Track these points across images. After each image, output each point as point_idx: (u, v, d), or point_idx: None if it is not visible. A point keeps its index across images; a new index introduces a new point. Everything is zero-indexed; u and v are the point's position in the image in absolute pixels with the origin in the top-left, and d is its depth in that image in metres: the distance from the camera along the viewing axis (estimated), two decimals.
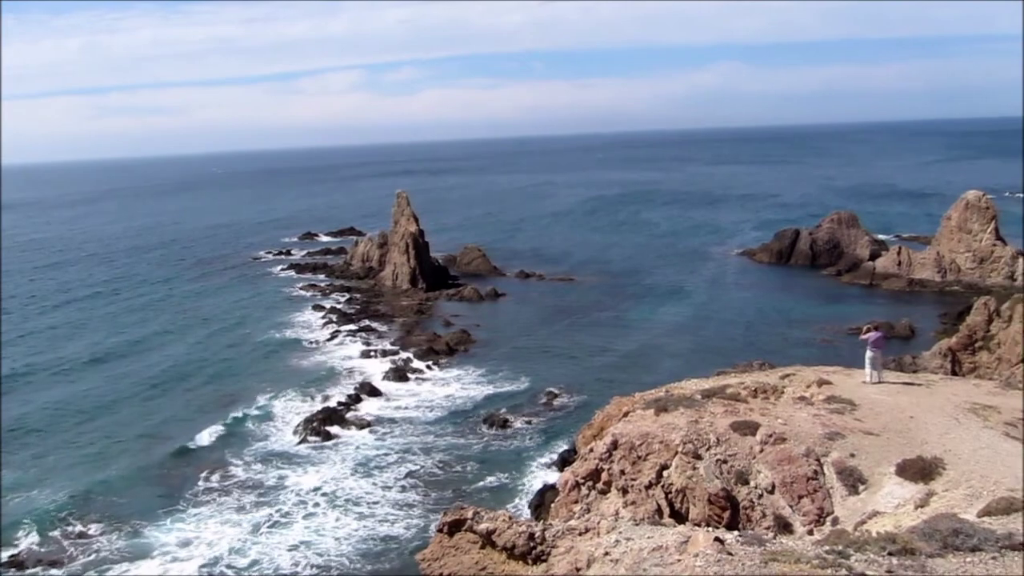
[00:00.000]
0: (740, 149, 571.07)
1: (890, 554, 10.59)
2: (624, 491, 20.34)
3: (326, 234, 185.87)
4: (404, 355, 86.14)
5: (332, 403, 71.24)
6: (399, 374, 79.84)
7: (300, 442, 63.47)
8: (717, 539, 9.88)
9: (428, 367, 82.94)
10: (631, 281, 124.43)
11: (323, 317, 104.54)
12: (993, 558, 10.72)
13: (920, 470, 17.38)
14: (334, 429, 65.90)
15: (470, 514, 12.62)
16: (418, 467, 58.86)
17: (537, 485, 53.52)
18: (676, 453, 19.79)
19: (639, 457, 20.32)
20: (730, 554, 9.51)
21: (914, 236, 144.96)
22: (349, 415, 69.20)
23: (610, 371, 78.51)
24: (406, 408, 71.79)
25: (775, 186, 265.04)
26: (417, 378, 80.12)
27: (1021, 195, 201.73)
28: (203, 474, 57.78)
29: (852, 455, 18.89)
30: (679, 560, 9.47)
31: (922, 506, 16.19)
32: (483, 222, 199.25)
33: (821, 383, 25.19)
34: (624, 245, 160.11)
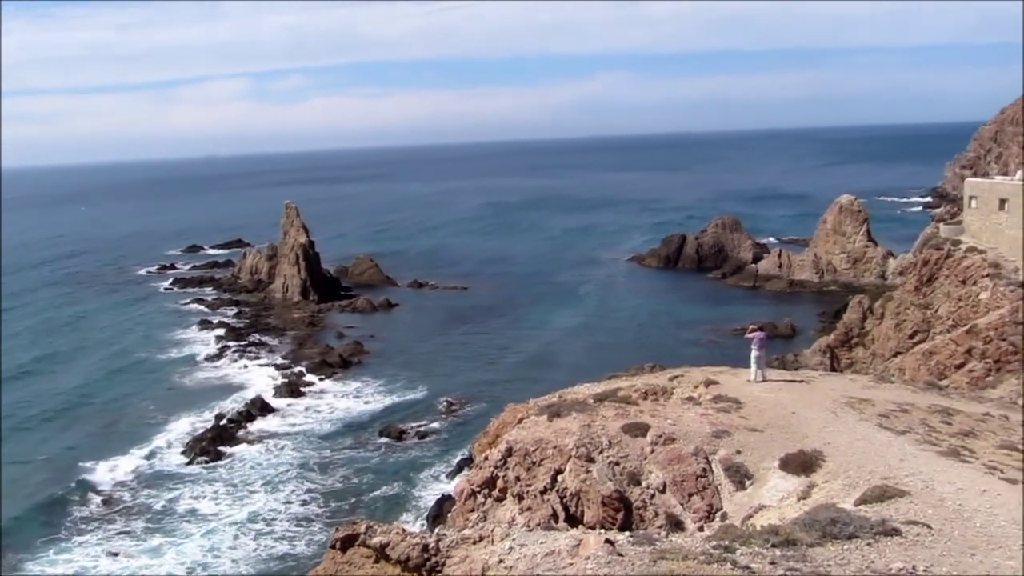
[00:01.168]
0: (628, 157, 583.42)
1: (774, 546, 10.96)
2: (520, 497, 20.45)
3: (212, 247, 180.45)
4: (296, 369, 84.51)
5: (222, 421, 69.22)
6: (292, 389, 78.26)
7: (190, 462, 61.44)
8: (608, 541, 10.03)
9: (321, 380, 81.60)
10: (525, 288, 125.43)
11: (211, 333, 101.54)
12: (868, 544, 11.24)
13: (802, 463, 18.05)
14: (225, 448, 64.06)
15: (363, 528, 12.44)
16: (314, 482, 57.79)
17: (435, 495, 53.32)
18: (570, 457, 20.01)
19: (534, 463, 20.46)
20: (620, 555, 9.66)
21: (793, 239, 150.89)
22: (241, 433, 67.39)
23: (506, 378, 78.93)
24: (300, 423, 70.39)
25: (662, 192, 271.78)
26: (311, 392, 78.71)
27: (889, 199, 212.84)
28: (88, 502, 55.20)
29: (738, 452, 19.48)
30: (571, 564, 9.57)
31: (804, 498, 16.80)
32: (377, 231, 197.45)
33: (708, 383, 25.91)
34: (518, 252, 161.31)
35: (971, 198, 65.05)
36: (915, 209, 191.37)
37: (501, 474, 21.17)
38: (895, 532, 11.76)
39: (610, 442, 20.26)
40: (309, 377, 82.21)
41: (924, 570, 10.45)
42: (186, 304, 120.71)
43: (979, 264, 59.68)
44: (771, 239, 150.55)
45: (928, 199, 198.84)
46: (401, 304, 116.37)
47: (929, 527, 12.33)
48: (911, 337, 62.40)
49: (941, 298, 61.47)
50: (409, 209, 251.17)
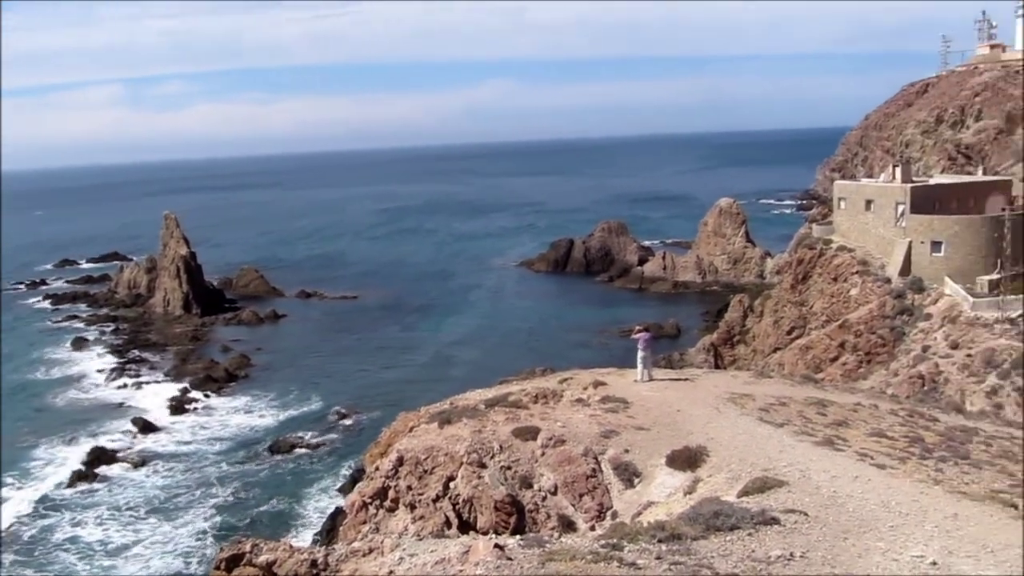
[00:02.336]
0: (518, 162, 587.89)
1: (660, 541, 11.20)
2: (412, 507, 20.29)
3: (87, 260, 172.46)
4: (180, 385, 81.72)
5: (102, 443, 66.26)
6: (175, 406, 75.64)
7: (68, 487, 58.52)
8: (497, 546, 10.05)
9: (207, 396, 79.13)
10: (416, 295, 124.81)
11: (87, 351, 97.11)
12: (749, 534, 11.62)
13: (687, 459, 18.51)
14: (106, 470, 61.35)
15: (248, 547, 12.10)
16: (202, 500, 55.93)
17: (328, 509, 52.40)
18: (461, 464, 19.98)
19: (425, 471, 20.35)
20: (509, 559, 9.70)
21: (677, 241, 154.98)
22: (122, 454, 64.67)
23: (398, 386, 78.30)
24: (186, 441, 68.07)
25: (551, 197, 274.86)
26: (196, 409, 76.23)
27: (766, 201, 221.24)
28: None
29: (627, 451, 19.84)
30: (461, 570, 9.55)
31: (690, 492, 17.23)
32: (264, 241, 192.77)
33: (597, 384, 26.32)
34: (408, 259, 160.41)
35: (840, 200, 68.26)
36: (789, 211, 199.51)
37: (393, 484, 20.96)
38: (774, 521, 12.18)
39: (501, 447, 20.32)
40: (194, 393, 79.61)
41: (801, 555, 10.87)
42: (60, 322, 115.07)
43: (849, 262, 62.66)
44: (656, 242, 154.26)
45: (801, 201, 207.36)
46: (289, 315, 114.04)
47: (806, 514, 12.83)
48: (789, 333, 65.00)
49: (815, 295, 64.26)
50: (298, 218, 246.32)
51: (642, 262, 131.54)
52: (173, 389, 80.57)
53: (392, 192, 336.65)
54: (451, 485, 20.11)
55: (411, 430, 24.00)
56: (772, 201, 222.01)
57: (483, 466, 19.95)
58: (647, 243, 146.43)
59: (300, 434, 68.08)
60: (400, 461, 21.06)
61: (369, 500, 21.52)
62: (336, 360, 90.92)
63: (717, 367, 67.37)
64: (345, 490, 54.97)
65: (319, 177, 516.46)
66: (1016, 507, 13.75)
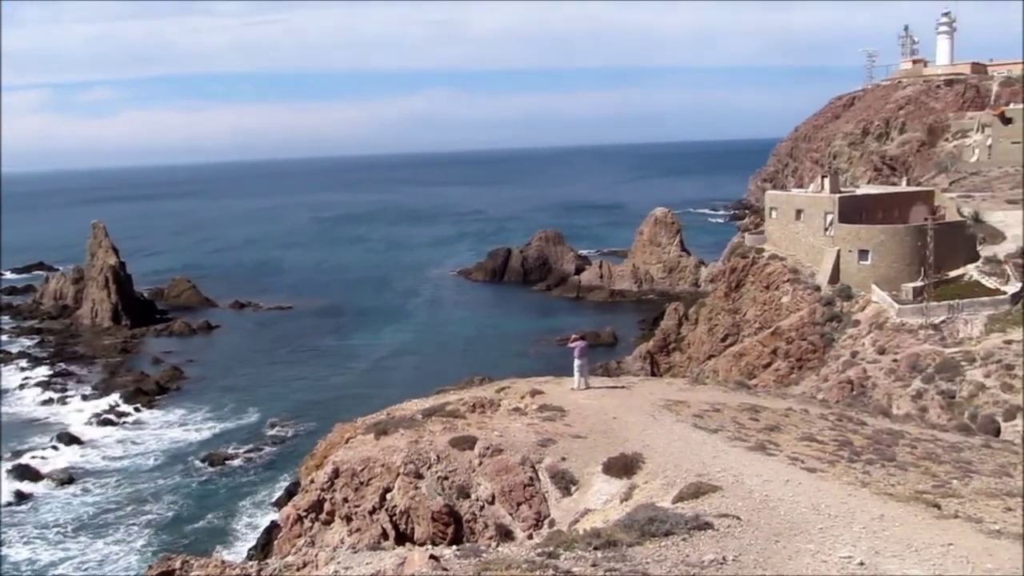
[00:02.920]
0: (453, 171, 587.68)
1: (596, 548, 11.26)
2: (348, 519, 20.04)
3: (10, 271, 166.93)
4: (109, 399, 79.54)
5: (25, 460, 64.06)
6: (104, 420, 73.62)
7: None
8: (432, 556, 9.98)
9: (138, 410, 77.19)
10: (353, 305, 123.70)
11: (10, 365, 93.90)
12: (683, 539, 11.76)
13: (623, 466, 18.66)
14: (31, 488, 59.34)
15: (178, 564, 11.81)
16: (134, 517, 54.50)
17: (264, 523, 51.51)
18: (398, 475, 19.81)
19: (361, 483, 20.12)
20: (445, 569, 9.64)
21: (613, 250, 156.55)
22: (47, 470, 62.63)
23: (335, 397, 77.43)
24: (115, 455, 66.28)
25: (488, 206, 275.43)
26: (126, 423, 74.30)
27: (700, 210, 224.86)
28: None
29: (564, 459, 19.91)
30: None
31: (626, 499, 17.36)
32: (197, 251, 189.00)
33: (534, 393, 26.38)
34: (345, 268, 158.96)
35: (771, 209, 69.72)
36: (722, 220, 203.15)
37: (328, 496, 20.68)
38: (708, 526, 12.34)
39: (438, 457, 20.21)
40: (124, 407, 77.59)
41: (733, 559, 11.03)
42: None
43: (780, 270, 64.00)
44: (592, 251, 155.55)
45: (734, 211, 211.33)
46: (222, 326, 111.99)
47: (738, 518, 13.02)
48: (723, 340, 66.07)
49: (748, 303, 65.46)
50: (232, 227, 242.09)
51: (579, 271, 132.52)
52: (102, 403, 78.42)
53: (329, 201, 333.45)
54: (388, 496, 19.92)
55: (347, 441, 23.73)
56: (706, 211, 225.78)
57: (420, 477, 19.81)
58: (584, 252, 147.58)
59: (235, 447, 66.85)
60: (336, 473, 20.79)
61: (304, 513, 21.20)
62: (271, 371, 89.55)
63: (653, 374, 68.15)
64: (281, 503, 54.09)
65: (253, 186, 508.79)
66: (939, 507, 14.17)
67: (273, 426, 71.47)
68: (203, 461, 63.89)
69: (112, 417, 74.67)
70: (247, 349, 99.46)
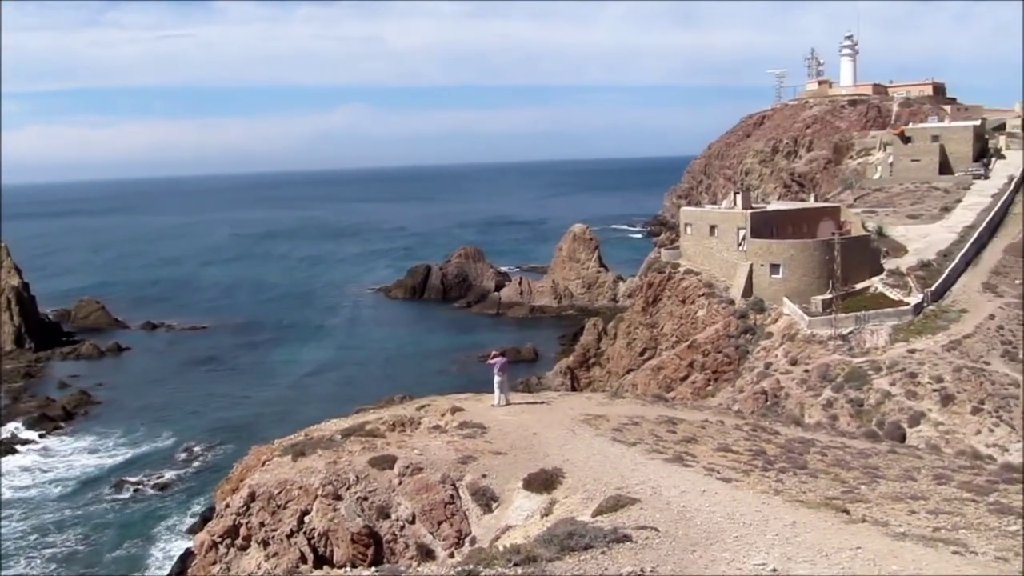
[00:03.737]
0: (374, 188, 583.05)
1: (516, 564, 11.27)
2: (265, 544, 19.60)
3: None
4: (11, 426, 76.20)
5: None
6: (5, 448, 70.46)
7: None
8: None
9: (43, 436, 74.17)
10: (270, 323, 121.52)
11: None
12: (602, 553, 11.85)
13: (543, 482, 18.72)
14: None
15: None
16: (41, 548, 52.26)
17: (179, 550, 49.99)
18: (316, 497, 19.48)
19: (278, 506, 19.71)
20: None
21: (533, 266, 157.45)
22: None
23: (251, 419, 75.82)
24: (19, 485, 63.48)
25: (409, 223, 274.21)
26: (31, 450, 71.28)
27: (617, 226, 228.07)
28: None
29: (484, 476, 19.87)
30: None
31: (547, 514, 17.42)
32: (106, 270, 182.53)
33: (454, 410, 26.28)
34: (262, 286, 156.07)
35: (686, 225, 71.17)
36: (639, 236, 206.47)
37: (244, 521, 20.19)
38: (626, 538, 12.47)
39: (357, 477, 19.95)
40: (27, 434, 74.46)
41: (651, 570, 11.16)
42: None
43: (696, 285, 65.31)
44: (512, 267, 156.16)
45: (650, 227, 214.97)
46: (133, 348, 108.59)
47: (656, 530, 13.19)
48: (641, 354, 67.00)
49: (665, 317, 66.57)
50: (144, 245, 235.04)
51: (499, 287, 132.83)
52: (3, 430, 75.06)
53: (249, 218, 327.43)
54: (306, 519, 19.56)
55: (264, 464, 23.22)
56: (623, 227, 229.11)
57: (339, 498, 19.52)
58: (504, 269, 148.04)
59: (148, 472, 64.82)
60: (252, 496, 20.33)
61: (219, 539, 20.64)
62: (186, 394, 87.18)
63: (574, 389, 68.62)
64: (196, 530, 52.61)
65: (166, 202, 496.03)
66: (847, 512, 14.60)
67: (188, 450, 69.55)
68: (114, 488, 61.75)
69: (15, 445, 71.57)
70: (160, 371, 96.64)
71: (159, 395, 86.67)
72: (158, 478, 63.72)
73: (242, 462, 28.23)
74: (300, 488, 19.98)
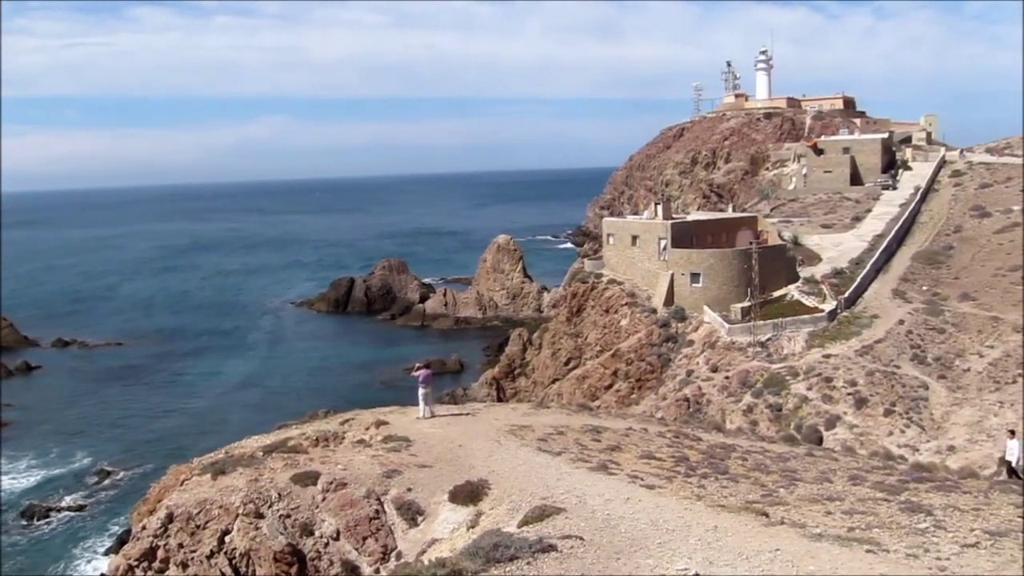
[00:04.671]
0: (296, 200, 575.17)
1: None
2: (184, 566, 19.06)
3: None
4: None
5: None
6: None
7: None
8: None
9: None
10: (190, 339, 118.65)
11: None
12: (528, 563, 11.87)
13: (469, 494, 18.66)
14: None
15: None
16: None
17: (94, 575, 48.33)
18: (237, 516, 19.04)
19: (198, 526, 19.20)
20: None
21: (457, 277, 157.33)
22: None
23: (170, 438, 73.82)
24: None
25: (332, 235, 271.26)
26: None
27: (541, 237, 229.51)
28: None
29: (409, 489, 19.71)
30: None
31: (473, 527, 17.36)
32: (14, 286, 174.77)
33: (379, 424, 26.01)
34: (182, 300, 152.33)
35: (609, 235, 72.04)
36: (563, 246, 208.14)
37: (162, 543, 19.59)
38: (552, 548, 12.51)
39: (280, 494, 19.58)
40: None
41: None
42: None
43: (619, 294, 66.11)
44: (437, 279, 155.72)
45: (574, 237, 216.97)
46: (44, 367, 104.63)
47: (582, 539, 13.27)
48: (566, 364, 67.45)
49: (589, 326, 67.18)
50: (58, 258, 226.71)
51: (423, 299, 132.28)
52: None
53: (163, 230, 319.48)
54: (226, 539, 19.10)
55: (182, 483, 22.59)
56: (547, 237, 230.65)
57: (261, 516, 19.13)
58: (428, 280, 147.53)
59: (62, 495, 62.48)
60: (170, 518, 19.75)
61: (136, 563, 19.98)
62: (101, 413, 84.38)
63: (500, 400, 68.69)
64: (113, 553, 50.95)
65: (82, 215, 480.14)
66: (767, 515, 14.92)
67: (104, 471, 67.31)
68: (26, 512, 59.32)
69: None
70: (73, 390, 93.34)
71: (72, 415, 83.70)
72: (73, 501, 61.50)
73: (160, 482, 27.44)
74: (220, 507, 19.51)
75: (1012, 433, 31.72)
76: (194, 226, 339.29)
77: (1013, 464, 28.99)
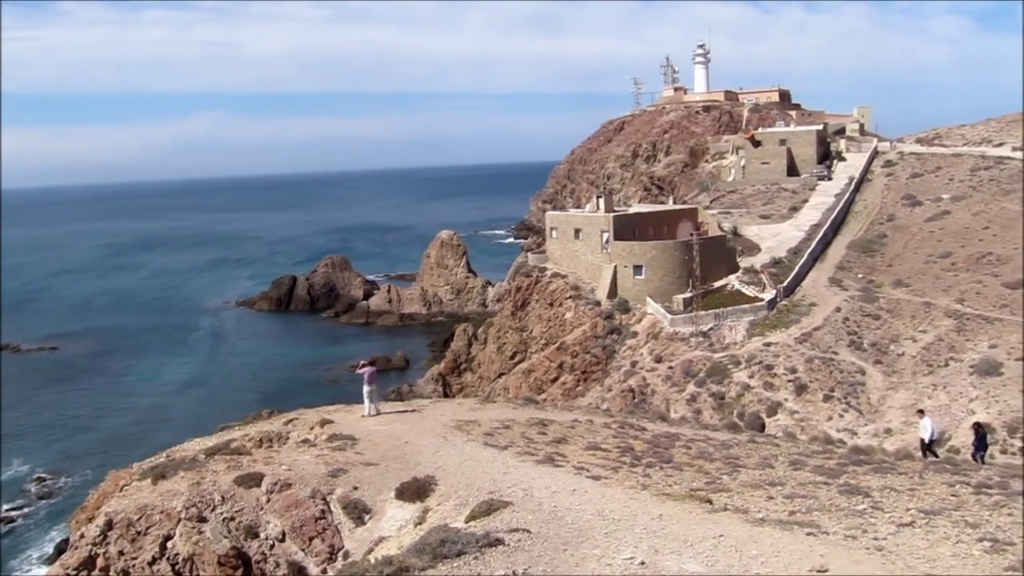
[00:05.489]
0: (234, 198, 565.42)
1: (388, 575, 11.14)
2: (125, 573, 18.63)
3: None
4: None
5: None
6: None
7: None
8: None
9: None
10: (130, 340, 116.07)
11: None
12: (475, 558, 11.86)
13: (416, 490, 18.59)
14: None
15: None
16: None
17: None
18: (179, 520, 18.69)
19: (138, 533, 18.80)
20: None
21: (401, 274, 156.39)
22: None
23: (110, 443, 72.15)
24: None
25: (274, 232, 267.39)
26: None
27: (485, 232, 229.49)
28: None
29: (356, 488, 19.56)
30: None
31: (420, 523, 17.30)
32: None
33: (324, 423, 25.76)
34: (122, 300, 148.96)
35: (552, 229, 72.32)
36: (507, 240, 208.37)
37: (101, 551, 19.15)
38: (499, 542, 12.52)
39: (223, 497, 19.28)
40: None
41: (523, 572, 11.25)
42: None
43: (563, 287, 66.44)
44: (380, 275, 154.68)
45: (518, 231, 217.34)
46: None
47: (529, 532, 13.31)
48: (512, 358, 67.60)
49: (534, 320, 67.42)
50: None
51: (367, 296, 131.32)
52: None
53: (100, 229, 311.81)
54: (169, 544, 18.75)
55: (122, 489, 22.11)
56: (491, 232, 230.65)
57: (204, 520, 18.82)
58: (372, 277, 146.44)
59: None
60: (109, 524, 19.31)
61: (74, 571, 19.49)
62: (37, 418, 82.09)
63: (446, 396, 68.61)
64: (50, 563, 49.69)
65: (16, 214, 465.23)
66: (711, 502, 15.15)
67: (40, 478, 65.55)
68: None
69: None
70: (6, 396, 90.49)
71: (7, 421, 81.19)
72: (7, 510, 59.78)
73: (98, 488, 26.88)
74: (162, 512, 19.14)
75: (921, 413, 34.12)
76: (136, 225, 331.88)
77: (926, 440, 30.22)
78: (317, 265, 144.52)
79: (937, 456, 29.65)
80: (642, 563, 11.57)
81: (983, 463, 28.04)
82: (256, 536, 18.72)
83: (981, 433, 30.69)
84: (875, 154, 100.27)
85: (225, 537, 18.44)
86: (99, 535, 19.29)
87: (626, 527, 13.43)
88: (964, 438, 41.10)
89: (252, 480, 19.78)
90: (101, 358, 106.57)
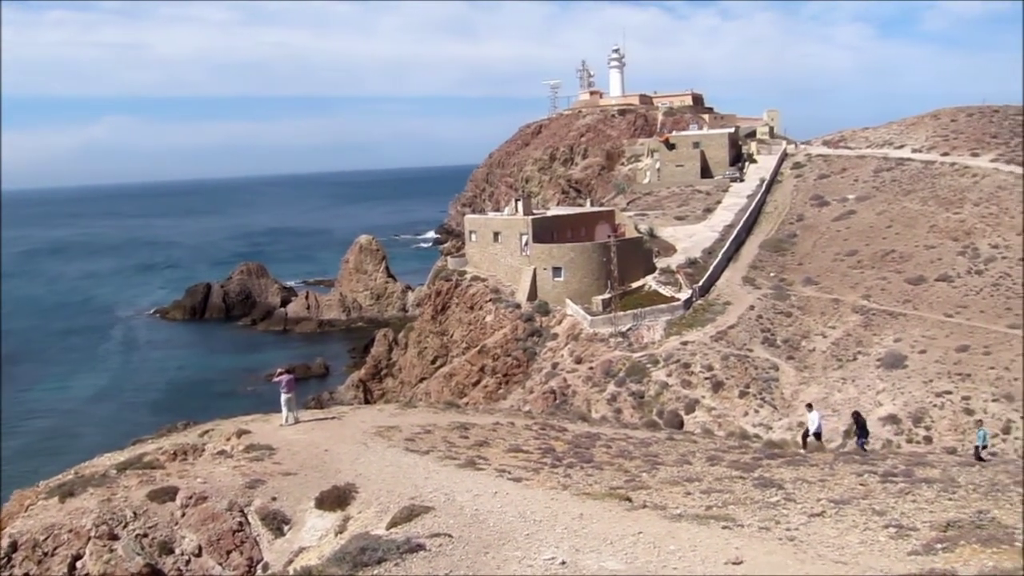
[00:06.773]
0: (150, 203, 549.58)
1: None
2: None
3: None
4: None
5: None
6: None
7: None
8: None
9: None
10: (35, 351, 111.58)
11: None
12: (396, 564, 11.79)
13: (336, 499, 18.35)
14: None
15: None
16: None
17: None
18: (89, 539, 18.05)
19: (45, 553, 18.08)
20: None
21: (319, 280, 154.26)
22: None
23: (13, 461, 69.17)
24: None
25: (187, 238, 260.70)
26: None
27: (404, 236, 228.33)
28: None
29: (274, 499, 19.20)
30: None
31: (341, 532, 17.09)
32: None
33: (240, 433, 25.21)
34: (23, 310, 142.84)
35: (471, 233, 72.36)
36: (426, 245, 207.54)
37: (6, 574, 18.40)
38: (420, 547, 12.46)
39: (135, 513, 18.71)
40: None
41: None
42: None
43: (483, 291, 66.54)
44: (298, 282, 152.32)
45: (437, 235, 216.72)
46: None
47: (450, 536, 13.28)
48: (433, 362, 67.39)
49: (455, 324, 67.34)
50: None
51: (285, 303, 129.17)
52: None
53: (9, 237, 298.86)
54: (78, 564, 18.10)
55: (27, 509, 21.25)
56: (410, 236, 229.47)
57: (115, 538, 18.22)
58: (289, 283, 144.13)
59: None
60: (14, 547, 18.53)
61: None
62: None
63: (367, 402, 67.90)
64: None
65: None
66: (630, 500, 15.36)
67: None
68: None
69: None
70: None
71: None
72: None
73: (2, 510, 25.79)
74: (70, 531, 18.46)
75: (810, 407, 35.79)
76: (37, 232, 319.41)
77: (811, 432, 31.52)
78: (232, 272, 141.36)
79: (823, 446, 31.10)
80: (563, 563, 11.65)
81: (864, 449, 29.63)
82: (171, 552, 18.22)
83: (861, 421, 32.30)
84: (784, 156, 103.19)
85: (138, 554, 17.89)
86: (3, 558, 18.51)
87: (547, 528, 13.52)
88: (874, 429, 42.60)
89: (166, 494, 19.24)
90: (5, 369, 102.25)
